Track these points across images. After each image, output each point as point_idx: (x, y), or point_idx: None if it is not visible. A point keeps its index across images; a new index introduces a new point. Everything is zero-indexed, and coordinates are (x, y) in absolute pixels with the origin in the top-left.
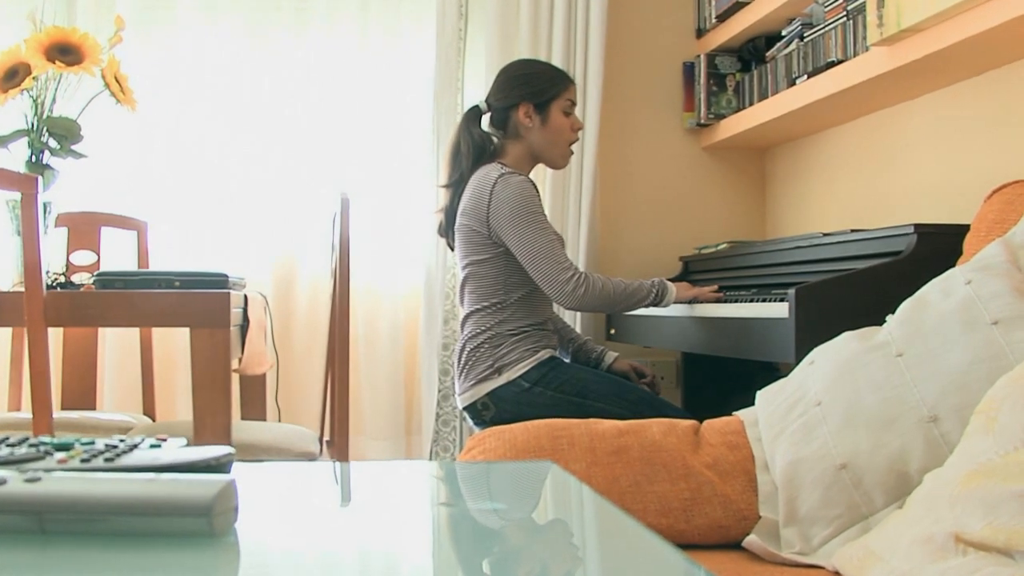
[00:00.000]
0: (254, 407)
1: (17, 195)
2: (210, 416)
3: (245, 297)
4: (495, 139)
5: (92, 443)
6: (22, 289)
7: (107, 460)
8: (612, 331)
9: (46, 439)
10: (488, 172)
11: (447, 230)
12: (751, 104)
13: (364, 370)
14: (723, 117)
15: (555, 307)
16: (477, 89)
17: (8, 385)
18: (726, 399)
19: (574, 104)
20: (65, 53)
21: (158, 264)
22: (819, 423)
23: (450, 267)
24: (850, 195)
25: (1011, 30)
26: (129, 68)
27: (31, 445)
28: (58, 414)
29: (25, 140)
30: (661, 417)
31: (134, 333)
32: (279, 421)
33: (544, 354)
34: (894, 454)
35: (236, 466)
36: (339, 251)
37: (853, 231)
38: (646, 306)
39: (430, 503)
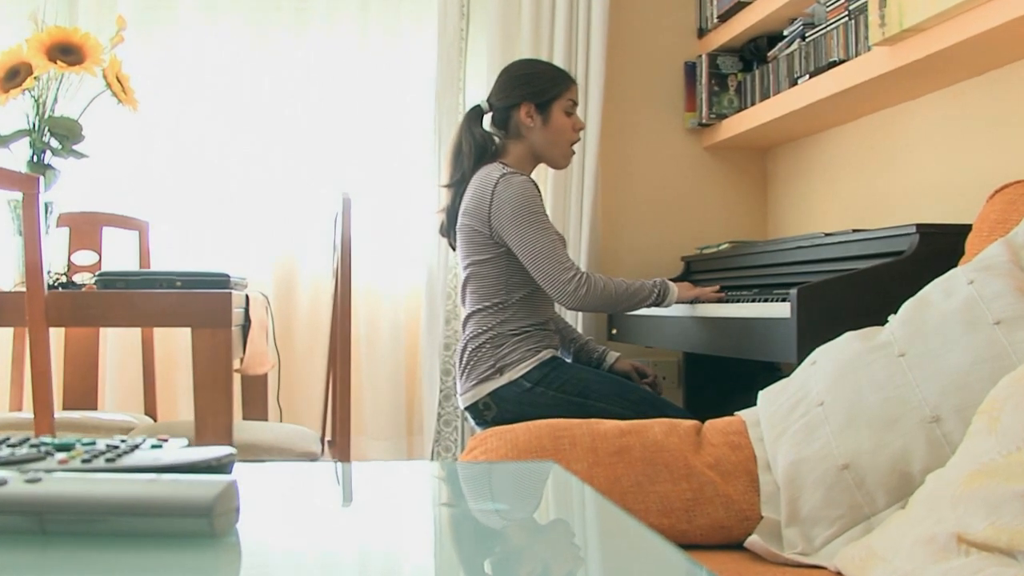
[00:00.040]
0: (255, 407)
1: (19, 195)
2: (211, 416)
3: (247, 297)
4: (497, 139)
5: (93, 443)
6: (23, 289)
7: (108, 460)
8: (614, 331)
9: (47, 439)
10: (490, 172)
11: (449, 230)
12: (753, 104)
13: (365, 370)
14: (725, 117)
15: (557, 307)
16: (479, 89)
17: (10, 385)
18: (728, 399)
19: (575, 104)
20: (67, 53)
21: (159, 264)
22: (821, 423)
23: (452, 267)
24: (852, 195)
25: (1013, 30)
26: (130, 68)
27: (32, 445)
28: (59, 414)
29: (27, 140)
30: (663, 417)
31: (135, 333)
32: (280, 421)
33: (546, 354)
34: (896, 454)
35: (237, 466)
36: (340, 251)
37: (855, 231)
38: (648, 306)
39: (432, 503)
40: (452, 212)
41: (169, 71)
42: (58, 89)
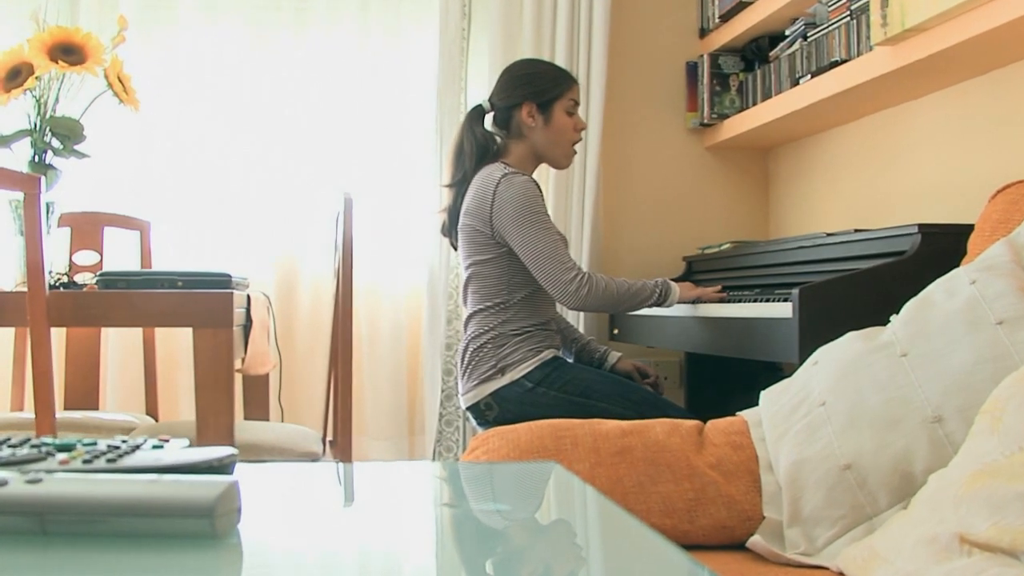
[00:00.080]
0: (257, 407)
1: (20, 195)
2: (213, 416)
3: (248, 297)
4: (498, 139)
5: (94, 444)
6: (25, 289)
7: (109, 461)
8: (615, 331)
9: (48, 440)
10: (491, 172)
11: (450, 230)
12: (754, 104)
13: (367, 370)
14: (726, 117)
15: (558, 307)
16: (480, 89)
17: (11, 385)
18: (729, 399)
19: (577, 104)
20: (68, 53)
21: (161, 264)
22: (823, 423)
23: (453, 267)
24: (854, 195)
25: (1015, 29)
26: (131, 68)
27: (33, 446)
28: (61, 414)
29: (28, 140)
30: (665, 417)
31: (137, 333)
32: (282, 421)
33: (547, 354)
34: (898, 454)
35: (239, 467)
36: (342, 251)
37: (857, 231)
38: (649, 306)
39: (433, 504)
40: (454, 212)
41: (169, 71)
42: (59, 89)
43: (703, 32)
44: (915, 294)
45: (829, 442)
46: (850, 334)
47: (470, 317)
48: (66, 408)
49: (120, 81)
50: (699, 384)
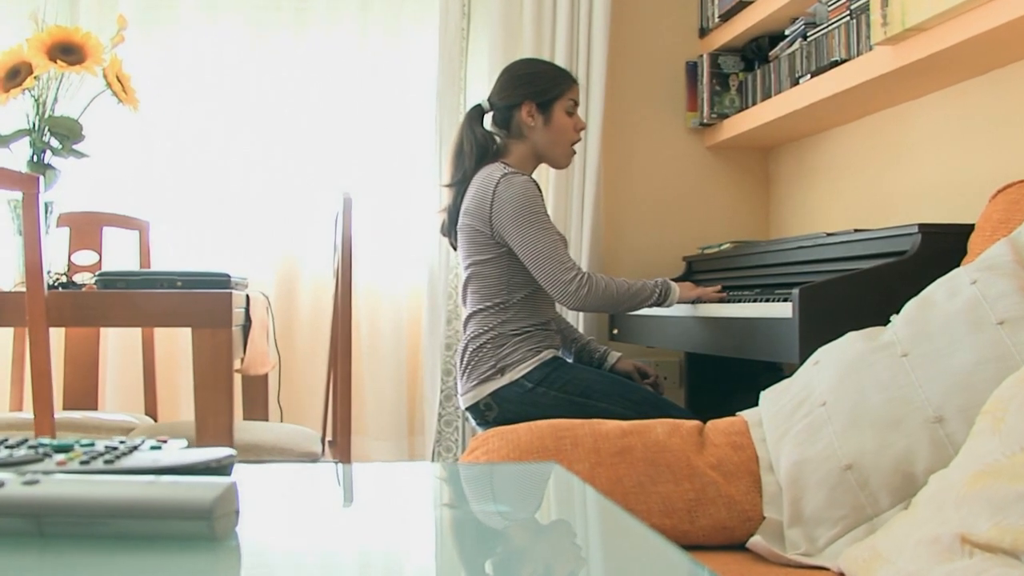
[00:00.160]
0: (256, 407)
1: (19, 195)
2: (212, 416)
3: (247, 297)
4: (498, 139)
5: (92, 445)
6: (24, 289)
7: (107, 462)
8: (615, 331)
9: (45, 441)
10: (491, 172)
11: (450, 230)
12: (754, 104)
13: (367, 370)
14: (726, 117)
15: (558, 307)
16: (480, 88)
17: (10, 385)
18: (730, 399)
19: (577, 104)
20: (67, 52)
21: (160, 264)
22: (824, 423)
23: (453, 267)
24: (854, 195)
25: (1016, 29)
26: (130, 67)
27: (30, 447)
28: (60, 414)
29: (27, 140)
30: (665, 417)
31: (136, 333)
32: (281, 421)
33: (547, 354)
34: (900, 455)
35: (237, 468)
36: (341, 251)
37: (857, 231)
38: (649, 306)
39: (433, 505)
40: (453, 212)
41: (169, 71)
42: (58, 89)
43: (703, 32)
44: (916, 294)
45: (830, 442)
46: (851, 334)
47: (470, 317)
48: (65, 408)
49: (119, 81)
50: (699, 384)
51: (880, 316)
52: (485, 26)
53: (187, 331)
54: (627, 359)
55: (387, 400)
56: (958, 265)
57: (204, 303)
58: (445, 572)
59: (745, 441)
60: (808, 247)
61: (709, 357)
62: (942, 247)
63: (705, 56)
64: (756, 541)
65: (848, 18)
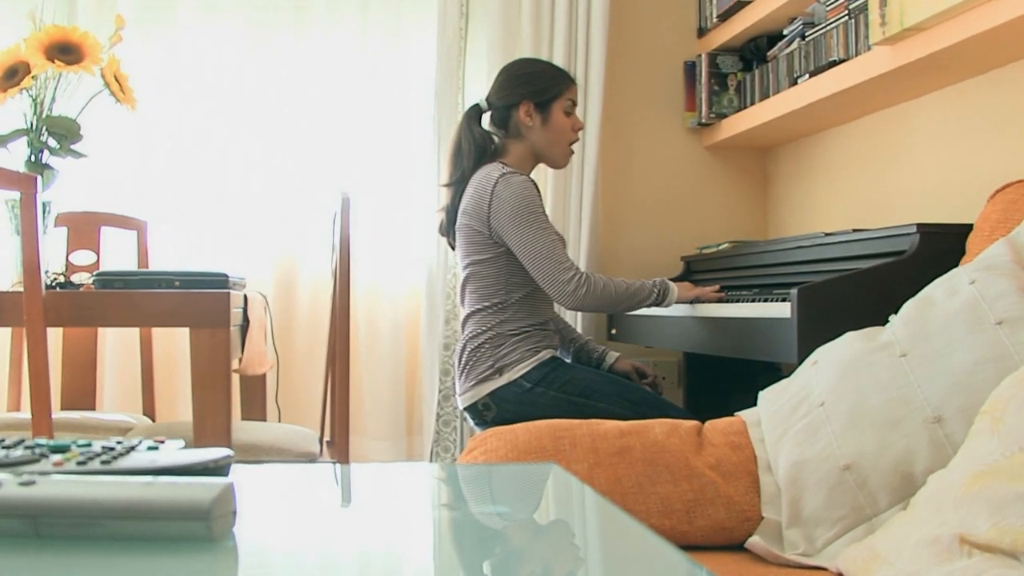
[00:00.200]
0: (254, 407)
1: (16, 195)
2: (210, 416)
3: (245, 297)
4: (496, 138)
5: (89, 445)
6: (21, 289)
7: (104, 463)
8: (613, 331)
9: (42, 441)
10: (489, 172)
11: (448, 229)
12: (753, 103)
13: (365, 370)
14: (725, 116)
15: (556, 307)
16: (478, 88)
17: (8, 385)
18: (728, 399)
19: (575, 104)
20: (65, 52)
21: (158, 264)
22: (823, 424)
23: (451, 267)
24: (852, 195)
25: (1015, 29)
26: (129, 67)
27: (27, 447)
28: (58, 414)
29: (24, 139)
30: (663, 417)
31: (134, 333)
32: (279, 421)
33: (545, 354)
34: (899, 455)
35: (235, 468)
36: (340, 251)
37: (855, 231)
38: (648, 306)
39: (431, 505)
40: (452, 211)
41: (168, 71)
42: (56, 88)
43: (701, 32)
44: (914, 294)
45: (829, 443)
46: (849, 334)
47: (468, 317)
48: (63, 408)
49: (117, 80)
50: (698, 384)
51: (879, 316)
52: (483, 26)
53: (185, 331)
54: (625, 359)
55: (385, 400)
56: (957, 265)
57: (202, 303)
58: (443, 573)
59: (744, 441)
60: (806, 247)
61: (708, 357)
62: (941, 247)
63: (703, 56)
64: (755, 541)
65: (846, 18)
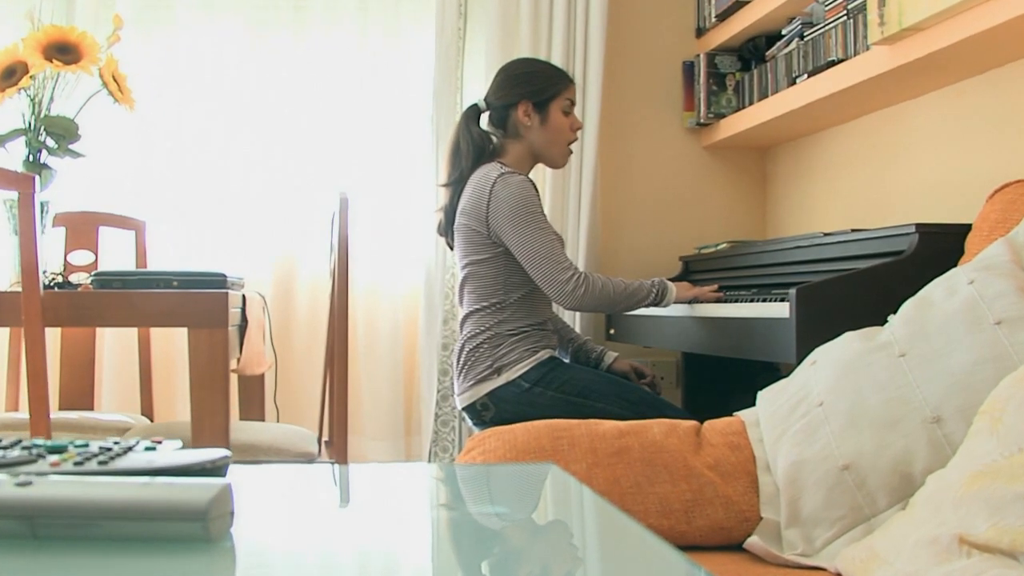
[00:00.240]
0: (253, 407)
1: (14, 194)
2: (208, 416)
3: (243, 297)
4: (494, 138)
5: (86, 446)
6: (19, 289)
7: (101, 463)
8: (612, 331)
9: (39, 441)
10: (488, 172)
11: (447, 229)
12: (751, 103)
13: (363, 370)
14: (723, 116)
15: (555, 307)
16: (477, 88)
17: (6, 385)
18: (727, 399)
19: (573, 104)
20: (63, 52)
21: (156, 264)
22: (822, 424)
23: (450, 267)
24: (851, 195)
25: (1013, 28)
26: (128, 67)
27: (24, 448)
28: (56, 414)
29: (23, 139)
30: (662, 417)
31: (132, 333)
32: (278, 421)
33: (544, 354)
34: (898, 455)
35: (233, 468)
36: (338, 251)
37: (854, 231)
38: (646, 306)
39: (430, 505)
40: (450, 211)
41: (167, 71)
42: (54, 88)
43: (700, 31)
44: (913, 294)
45: (828, 443)
46: (848, 334)
47: (466, 317)
48: (61, 408)
49: (115, 80)
50: (696, 384)
51: (877, 316)
52: (482, 26)
53: (183, 331)
54: (624, 359)
55: (384, 400)
56: (955, 265)
57: (200, 303)
58: (442, 573)
59: (742, 441)
60: (805, 247)
61: (706, 357)
62: (939, 247)
63: (702, 56)
64: (753, 542)
65: (845, 18)
